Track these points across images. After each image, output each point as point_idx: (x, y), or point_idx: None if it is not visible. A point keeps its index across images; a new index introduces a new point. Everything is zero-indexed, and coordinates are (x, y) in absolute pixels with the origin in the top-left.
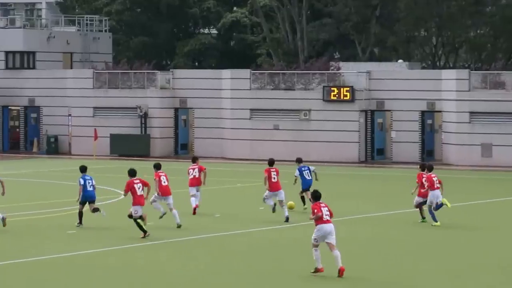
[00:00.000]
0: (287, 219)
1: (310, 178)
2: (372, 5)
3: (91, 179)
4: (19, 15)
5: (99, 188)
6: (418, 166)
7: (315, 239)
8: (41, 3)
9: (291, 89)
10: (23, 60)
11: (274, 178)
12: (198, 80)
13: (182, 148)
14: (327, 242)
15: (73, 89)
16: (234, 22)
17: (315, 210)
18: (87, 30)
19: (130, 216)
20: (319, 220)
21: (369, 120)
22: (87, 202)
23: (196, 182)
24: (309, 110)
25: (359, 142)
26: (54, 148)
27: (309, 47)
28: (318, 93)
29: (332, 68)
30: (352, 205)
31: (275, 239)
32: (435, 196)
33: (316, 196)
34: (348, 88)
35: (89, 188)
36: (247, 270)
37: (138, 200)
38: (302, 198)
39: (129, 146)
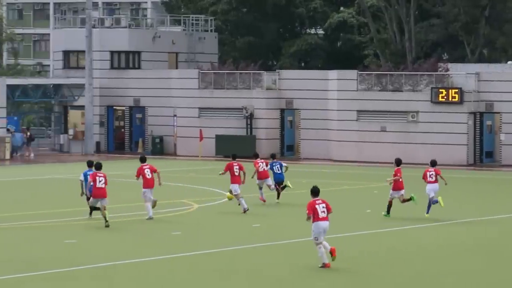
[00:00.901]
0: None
1: (281, 172)
2: (481, 5)
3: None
4: (125, 15)
5: (205, 189)
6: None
7: (315, 237)
8: (146, 2)
9: (398, 91)
10: (128, 60)
11: (236, 172)
12: (304, 80)
13: (288, 149)
14: None
15: (179, 90)
16: (341, 22)
17: (307, 212)
18: (192, 30)
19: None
20: (315, 217)
21: (478, 122)
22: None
23: (265, 175)
24: (417, 112)
25: (467, 145)
26: (160, 148)
27: (417, 48)
28: (426, 94)
29: (440, 69)
30: (472, 207)
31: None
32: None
33: (314, 192)
34: (456, 90)
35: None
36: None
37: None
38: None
39: (234, 147)
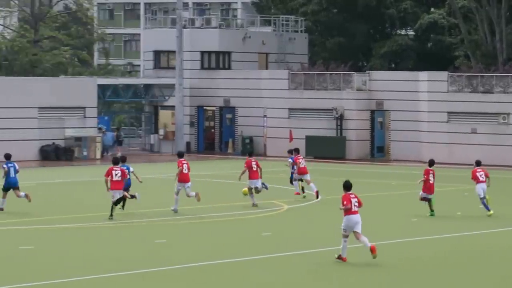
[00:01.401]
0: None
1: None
2: None
3: (127, 168)
4: (215, 15)
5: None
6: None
7: (344, 229)
8: (236, 3)
9: (489, 92)
10: (218, 60)
11: (254, 167)
12: (395, 82)
13: (378, 151)
14: (354, 231)
15: (268, 90)
16: (431, 23)
17: (345, 202)
18: (282, 31)
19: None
20: (347, 211)
21: None
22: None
23: (305, 171)
24: (508, 114)
25: None
26: (249, 149)
27: (508, 49)
28: None
29: None
30: None
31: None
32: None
33: (346, 186)
34: None
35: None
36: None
37: (114, 185)
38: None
39: (324, 148)
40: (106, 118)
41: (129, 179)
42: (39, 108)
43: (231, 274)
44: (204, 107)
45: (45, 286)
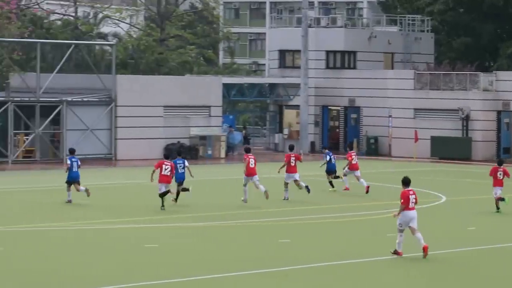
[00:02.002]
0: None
1: (333, 163)
2: None
3: (183, 162)
4: (340, 15)
5: (420, 191)
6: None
7: (400, 224)
8: (362, 2)
9: None
10: (343, 59)
11: (292, 162)
12: None
13: (504, 152)
14: (409, 226)
15: (394, 90)
16: None
17: (402, 200)
18: (408, 30)
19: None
20: (405, 207)
21: None
22: (177, 184)
23: (357, 167)
24: None
25: None
26: (374, 149)
27: None
28: None
29: None
30: None
31: None
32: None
33: (405, 182)
34: None
35: (180, 171)
36: None
37: (162, 179)
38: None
39: (449, 149)
40: (231, 117)
41: (183, 173)
42: (164, 106)
43: (360, 274)
44: (329, 107)
45: (180, 284)
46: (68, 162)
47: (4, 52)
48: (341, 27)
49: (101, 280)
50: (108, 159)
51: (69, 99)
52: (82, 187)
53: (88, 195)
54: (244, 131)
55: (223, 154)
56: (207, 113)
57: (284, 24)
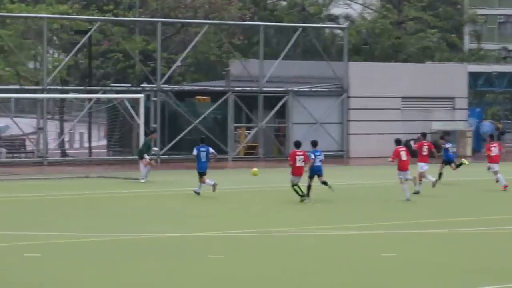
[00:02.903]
0: None
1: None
2: None
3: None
4: None
5: None
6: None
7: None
8: None
9: None
10: None
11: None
12: None
13: None
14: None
15: None
16: None
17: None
18: None
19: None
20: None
21: None
22: (315, 176)
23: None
24: None
25: None
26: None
27: None
28: None
29: None
30: None
31: None
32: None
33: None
34: None
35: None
36: None
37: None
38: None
39: None
40: (477, 110)
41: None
42: (402, 98)
43: None
44: None
45: None
46: (195, 152)
47: (223, 36)
48: None
49: None
50: (340, 156)
51: (296, 89)
52: (209, 180)
53: (214, 190)
54: (498, 125)
55: (469, 152)
56: (451, 106)
57: None
